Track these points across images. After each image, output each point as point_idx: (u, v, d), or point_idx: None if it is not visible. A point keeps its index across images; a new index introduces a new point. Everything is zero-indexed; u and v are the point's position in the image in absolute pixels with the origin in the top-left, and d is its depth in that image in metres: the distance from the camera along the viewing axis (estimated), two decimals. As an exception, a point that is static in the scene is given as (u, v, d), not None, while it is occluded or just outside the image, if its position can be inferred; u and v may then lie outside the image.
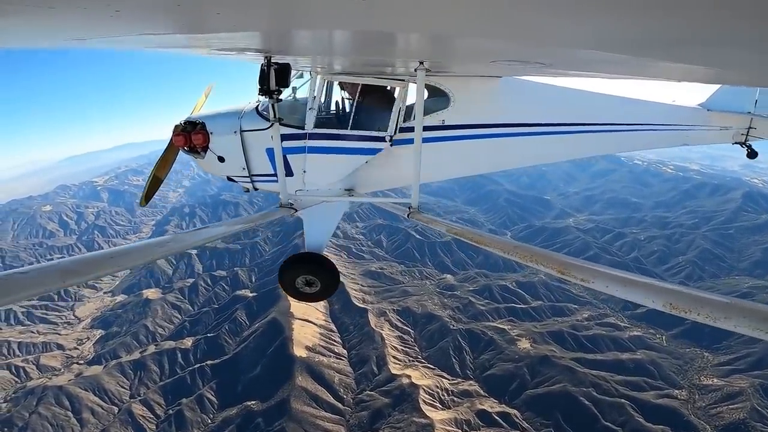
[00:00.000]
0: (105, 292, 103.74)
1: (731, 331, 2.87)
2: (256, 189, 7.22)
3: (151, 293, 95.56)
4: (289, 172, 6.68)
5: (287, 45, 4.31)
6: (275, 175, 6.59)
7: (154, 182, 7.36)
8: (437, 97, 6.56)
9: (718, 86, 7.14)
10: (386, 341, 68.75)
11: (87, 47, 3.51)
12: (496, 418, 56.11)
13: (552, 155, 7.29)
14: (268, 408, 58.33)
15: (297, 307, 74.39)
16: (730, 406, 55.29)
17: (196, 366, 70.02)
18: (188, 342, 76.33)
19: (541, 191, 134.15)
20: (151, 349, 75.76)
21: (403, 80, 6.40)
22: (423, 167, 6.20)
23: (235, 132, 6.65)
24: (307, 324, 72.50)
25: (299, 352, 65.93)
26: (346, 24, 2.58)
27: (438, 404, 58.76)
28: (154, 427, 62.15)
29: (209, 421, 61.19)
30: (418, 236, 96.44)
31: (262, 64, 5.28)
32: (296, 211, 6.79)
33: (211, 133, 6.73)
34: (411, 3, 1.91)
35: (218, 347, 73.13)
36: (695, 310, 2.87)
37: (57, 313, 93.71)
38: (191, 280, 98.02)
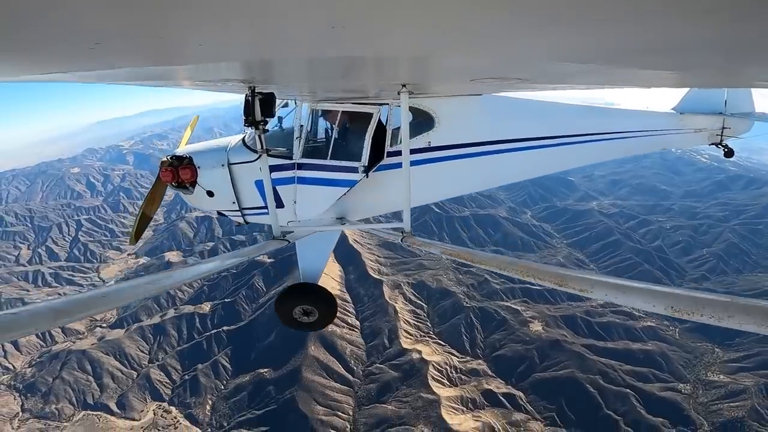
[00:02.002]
0: (129, 254, 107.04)
1: (737, 329, 2.79)
2: (247, 223, 7.14)
3: (172, 255, 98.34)
4: (279, 204, 6.52)
5: (270, 74, 4.24)
6: (266, 207, 6.35)
7: (143, 219, 7.23)
8: (422, 119, 6.46)
9: (688, 89, 7.44)
10: (399, 315, 69.29)
11: (69, 81, 3.47)
12: (502, 399, 56.63)
13: (537, 169, 7.27)
14: (280, 376, 59.89)
15: (300, 271, 75.13)
16: (731, 404, 54.82)
17: (213, 331, 71.95)
18: (206, 307, 78.33)
19: (566, 171, 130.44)
20: (171, 313, 77.98)
21: (387, 104, 6.30)
22: (413, 190, 6.05)
23: (222, 165, 6.57)
24: (323, 293, 73.40)
25: (314, 321, 66.95)
26: (324, 51, 2.56)
27: (446, 381, 59.48)
28: (170, 392, 64.58)
29: (222, 387, 63.27)
30: (437, 209, 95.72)
31: (246, 95, 5.14)
32: (290, 242, 6.55)
33: (199, 167, 6.62)
34: (387, 28, 1.91)
35: (235, 313, 74.90)
36: (698, 311, 2.86)
37: (83, 275, 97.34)
38: (211, 244, 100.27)
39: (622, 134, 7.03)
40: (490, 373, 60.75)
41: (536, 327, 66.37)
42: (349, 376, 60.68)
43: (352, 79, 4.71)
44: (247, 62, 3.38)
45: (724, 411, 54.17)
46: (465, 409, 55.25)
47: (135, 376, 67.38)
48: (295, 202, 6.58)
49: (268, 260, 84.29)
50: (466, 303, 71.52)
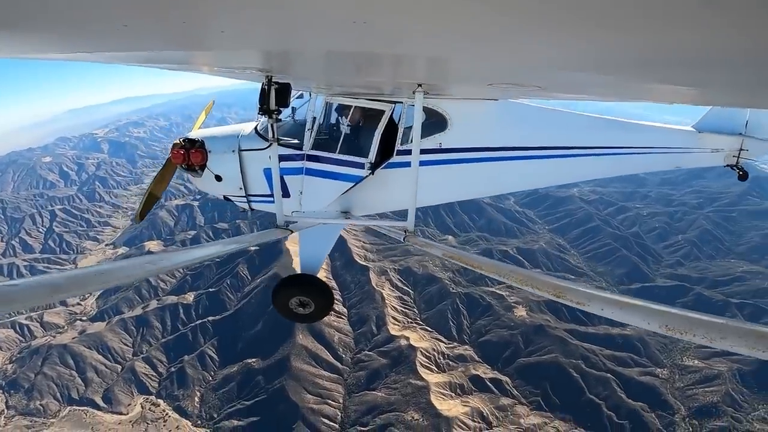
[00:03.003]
0: (107, 245, 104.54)
1: (728, 350, 2.92)
2: (252, 210, 7.23)
3: (152, 245, 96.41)
4: (286, 193, 6.62)
5: (288, 65, 4.33)
6: (272, 195, 6.45)
7: (150, 199, 7.40)
8: (435, 120, 6.47)
9: (709, 108, 7.20)
10: (386, 301, 69.62)
11: (93, 60, 3.56)
12: (489, 384, 57.65)
13: (547, 179, 7.28)
14: (269, 366, 59.65)
15: (299, 262, 74.78)
16: (706, 389, 56.60)
17: (198, 322, 70.98)
18: (190, 297, 77.08)
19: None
20: (153, 304, 76.48)
21: (401, 102, 6.32)
22: (420, 190, 6.09)
23: (233, 151, 6.68)
24: (309, 280, 73.01)
25: (300, 309, 66.65)
26: (344, 45, 2.60)
27: (434, 367, 60.22)
28: (157, 385, 63.61)
29: (210, 378, 62.72)
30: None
31: (262, 83, 5.22)
32: (292, 232, 6.61)
33: (210, 151, 6.75)
34: (407, 26, 1.94)
35: (220, 303, 73.99)
36: (691, 331, 2.90)
37: (59, 267, 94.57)
38: (193, 233, 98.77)
39: (638, 149, 6.93)
40: (476, 358, 61.73)
41: (520, 312, 67.56)
42: (338, 364, 60.85)
43: (368, 75, 4.76)
44: (266, 51, 3.42)
45: (700, 396, 56.06)
46: (454, 394, 56.11)
47: (120, 369, 66.15)
48: (301, 192, 6.68)
49: (253, 248, 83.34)
50: (452, 289, 72.26)
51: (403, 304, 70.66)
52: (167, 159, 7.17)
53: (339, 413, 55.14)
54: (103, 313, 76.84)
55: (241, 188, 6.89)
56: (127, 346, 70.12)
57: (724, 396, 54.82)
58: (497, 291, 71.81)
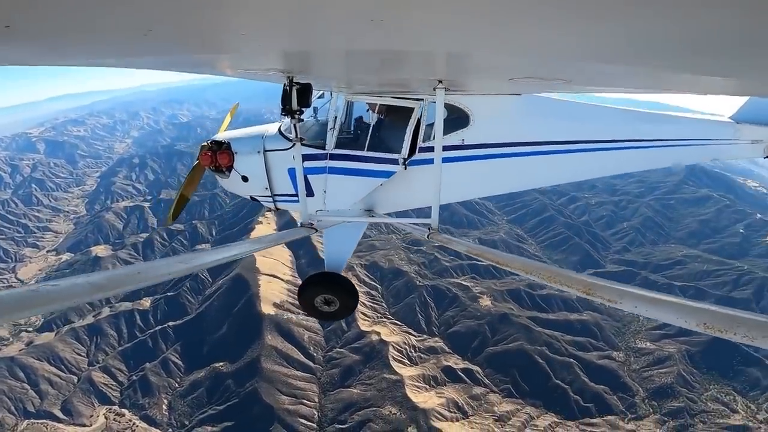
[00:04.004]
0: (48, 251, 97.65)
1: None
2: (278, 209, 7.32)
3: (100, 250, 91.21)
4: (310, 192, 6.67)
5: (308, 65, 4.39)
6: (296, 195, 6.53)
7: (181, 200, 7.48)
8: (457, 116, 6.46)
9: (748, 98, 6.97)
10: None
11: (119, 66, 3.66)
12: (461, 374, 58.99)
13: (576, 174, 7.17)
14: (238, 369, 58.14)
15: (263, 262, 73.47)
16: (660, 370, 60.10)
17: (157, 328, 68.16)
18: (146, 303, 73.84)
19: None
20: (106, 311, 72.55)
21: (423, 99, 6.30)
22: (443, 188, 6.06)
23: (258, 152, 6.81)
24: (274, 279, 71.47)
25: (267, 309, 65.14)
26: (363, 43, 2.60)
27: (407, 360, 60.83)
28: (119, 395, 60.59)
29: (177, 385, 60.43)
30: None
31: (284, 84, 5.27)
32: (317, 231, 6.67)
33: (236, 152, 6.88)
34: (424, 22, 1.95)
35: (180, 307, 71.37)
36: (731, 330, 2.76)
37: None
38: (145, 235, 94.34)
39: (670, 142, 6.73)
40: (447, 349, 62.92)
41: (485, 302, 69.44)
42: (310, 363, 60.13)
43: (388, 73, 4.81)
44: (286, 53, 3.46)
45: (655, 377, 59.54)
46: (428, 386, 56.98)
47: (76, 380, 62.23)
48: (325, 191, 6.70)
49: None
50: (419, 282, 73.17)
51: (371, 299, 70.76)
52: (196, 161, 7.23)
53: (316, 412, 54.66)
54: (50, 323, 71.88)
55: (266, 188, 6.99)
56: (81, 356, 66.18)
57: (677, 377, 58.44)
58: (462, 282, 73.52)
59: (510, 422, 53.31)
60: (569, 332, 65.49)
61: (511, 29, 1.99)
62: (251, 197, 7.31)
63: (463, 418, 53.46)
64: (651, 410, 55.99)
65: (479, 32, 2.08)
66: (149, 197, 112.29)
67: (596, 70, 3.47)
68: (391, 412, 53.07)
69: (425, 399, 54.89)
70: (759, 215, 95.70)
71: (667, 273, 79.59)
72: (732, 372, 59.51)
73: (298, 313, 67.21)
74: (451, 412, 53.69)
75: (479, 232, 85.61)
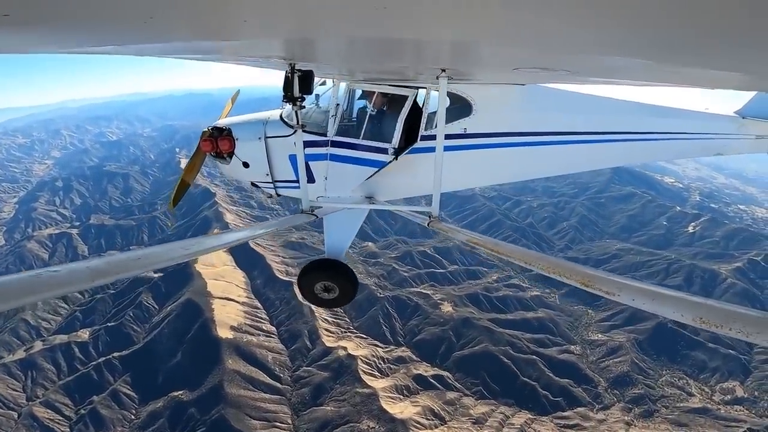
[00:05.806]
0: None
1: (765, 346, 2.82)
2: (279, 195, 7.36)
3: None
4: (311, 179, 6.74)
5: (311, 52, 4.39)
6: (297, 181, 6.52)
7: (182, 186, 7.56)
8: (459, 105, 6.49)
9: (755, 93, 6.89)
10: (316, 314, 67.45)
11: (120, 54, 3.60)
12: (432, 381, 59.08)
13: (577, 165, 7.19)
14: (200, 396, 54.63)
15: (214, 285, 70.40)
16: (615, 360, 63.22)
17: (100, 360, 62.56)
18: (84, 334, 67.84)
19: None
20: (39, 345, 65.88)
21: (425, 87, 6.38)
22: (444, 176, 6.03)
23: (259, 138, 6.85)
24: (229, 302, 68.48)
25: (224, 333, 62.17)
26: (367, 30, 2.63)
27: (377, 373, 59.98)
28: (68, 430, 55.04)
29: (133, 417, 55.63)
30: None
31: (286, 71, 5.29)
32: (317, 217, 6.58)
33: (237, 139, 6.92)
34: (430, 10, 1.95)
35: (124, 337, 66.12)
36: (726, 325, 2.73)
37: None
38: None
39: (674, 135, 6.75)
40: (415, 358, 62.80)
41: (446, 308, 70.30)
42: (278, 384, 57.60)
43: (391, 61, 4.77)
44: (288, 40, 3.47)
45: (611, 367, 62.48)
46: (402, 396, 56.43)
47: (16, 416, 55.94)
48: (326, 178, 6.82)
49: (156, 275, 75.60)
50: (380, 293, 72.74)
51: (333, 314, 69.18)
52: (197, 147, 7.28)
53: (291, 434, 52.58)
54: (-24, 359, 63.83)
55: (267, 174, 7.02)
56: (17, 391, 59.57)
57: (631, 365, 61.72)
58: (422, 291, 74.13)
59: (487, 423, 53.87)
60: (528, 330, 67.57)
61: (518, 18, 1.96)
62: (252, 183, 7.33)
63: (442, 424, 53.41)
64: (615, 399, 58.54)
65: (487, 21, 2.06)
66: (77, 223, 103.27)
67: (602, 62, 3.44)
68: (369, 426, 51.98)
69: (401, 409, 54.33)
70: (678, 208, 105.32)
71: (605, 267, 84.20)
72: (679, 357, 63.66)
73: (259, 335, 64.58)
74: (429, 419, 53.49)
75: (434, 241, 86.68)
